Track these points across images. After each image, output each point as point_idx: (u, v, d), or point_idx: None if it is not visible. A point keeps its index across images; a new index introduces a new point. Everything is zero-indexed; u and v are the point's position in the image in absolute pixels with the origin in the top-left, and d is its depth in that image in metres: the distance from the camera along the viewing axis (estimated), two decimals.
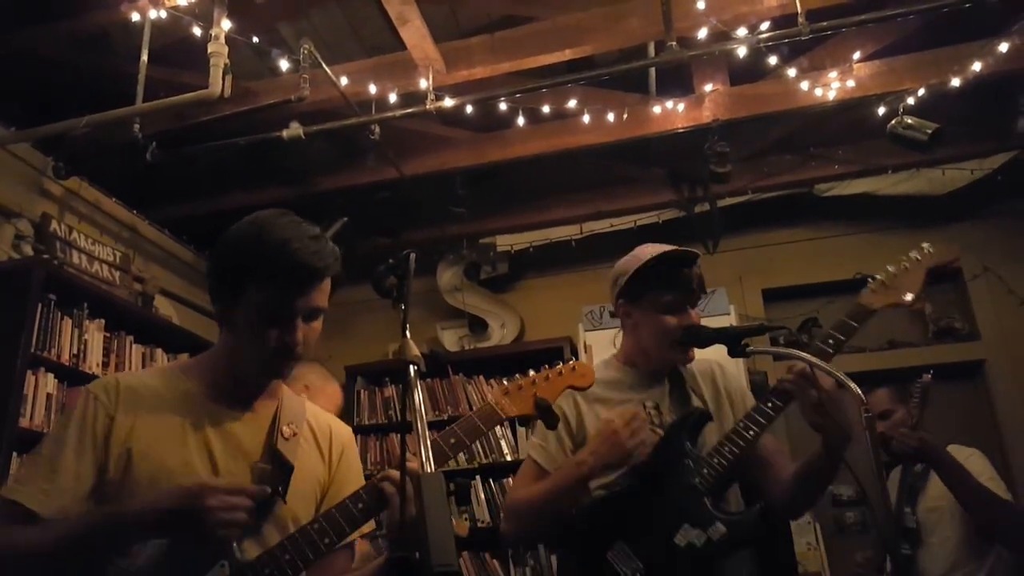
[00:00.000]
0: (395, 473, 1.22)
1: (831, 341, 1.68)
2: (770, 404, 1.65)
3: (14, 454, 2.72)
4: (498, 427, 4.23)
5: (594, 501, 1.68)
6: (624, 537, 1.61)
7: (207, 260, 1.35)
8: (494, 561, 4.05)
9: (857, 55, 3.20)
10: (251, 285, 1.24)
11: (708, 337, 1.71)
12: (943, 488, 2.39)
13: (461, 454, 4.20)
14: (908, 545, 2.47)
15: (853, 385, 1.40)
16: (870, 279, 1.75)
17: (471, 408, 4.28)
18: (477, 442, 4.23)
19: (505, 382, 1.49)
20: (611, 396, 1.79)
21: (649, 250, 1.78)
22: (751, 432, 1.64)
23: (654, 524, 1.60)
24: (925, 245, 1.77)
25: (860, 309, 1.73)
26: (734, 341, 1.63)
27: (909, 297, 1.71)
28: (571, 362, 1.54)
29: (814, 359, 1.51)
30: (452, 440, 1.37)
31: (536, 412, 1.44)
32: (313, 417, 1.43)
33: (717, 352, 1.72)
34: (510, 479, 4.08)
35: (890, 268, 1.74)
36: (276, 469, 1.28)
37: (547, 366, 1.53)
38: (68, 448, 1.20)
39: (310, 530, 1.22)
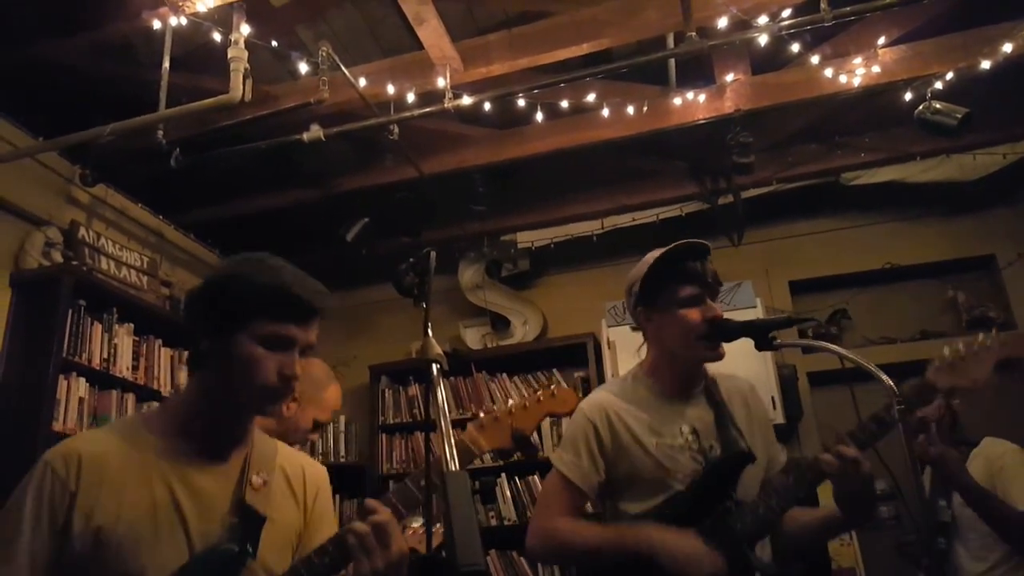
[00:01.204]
0: (361, 526, 1.16)
1: (883, 419, 1.56)
2: (800, 477, 1.59)
3: None
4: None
5: None
6: (655, 574, 1.54)
7: (192, 296, 1.31)
8: (521, 559, 4.05)
9: (882, 40, 3.13)
10: (253, 317, 1.23)
11: (735, 330, 1.64)
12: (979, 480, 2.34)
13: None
14: (943, 539, 2.42)
15: (885, 377, 1.37)
16: (935, 361, 1.66)
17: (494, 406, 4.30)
18: None
19: (481, 414, 1.43)
20: (647, 415, 1.71)
21: (657, 252, 1.73)
22: (806, 481, 1.58)
23: None
24: (996, 333, 1.68)
25: (926, 386, 1.63)
26: (761, 334, 1.58)
27: (976, 383, 1.62)
28: (551, 387, 1.49)
29: (844, 351, 1.48)
30: (422, 482, 1.31)
31: (513, 445, 1.39)
32: (285, 460, 1.38)
33: (744, 345, 1.69)
34: (536, 477, 4.08)
35: (960, 347, 1.65)
36: (246, 523, 1.24)
37: (525, 393, 1.49)
38: (25, 527, 1.14)
39: (299, 568, 1.20)
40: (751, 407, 1.79)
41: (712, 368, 1.78)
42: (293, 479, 1.37)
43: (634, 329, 1.82)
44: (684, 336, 1.67)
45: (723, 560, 1.52)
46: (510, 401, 1.44)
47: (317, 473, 1.42)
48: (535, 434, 4.17)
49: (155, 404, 3.44)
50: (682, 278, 1.67)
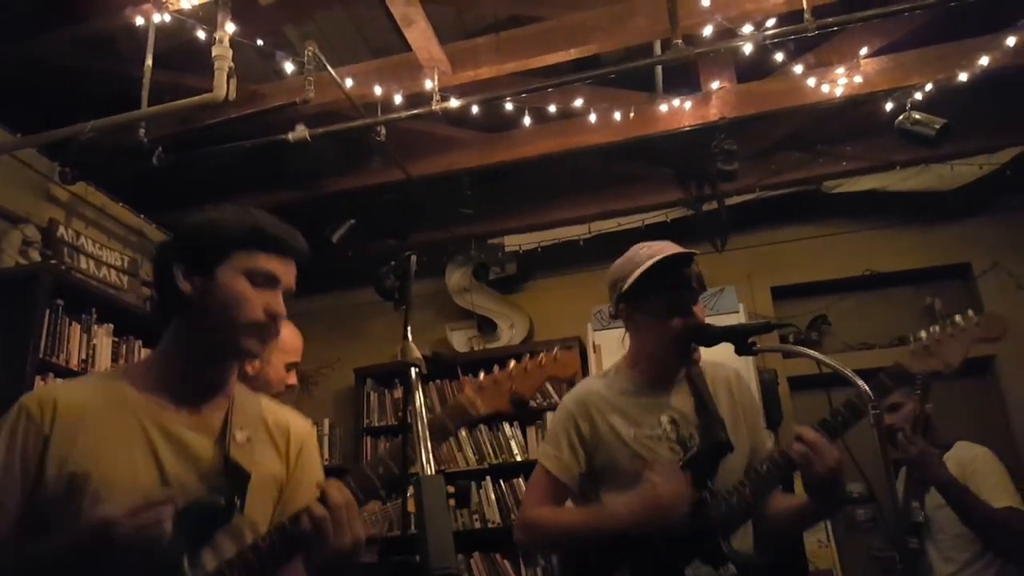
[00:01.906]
0: (318, 508, 1.14)
1: (855, 405, 1.59)
2: (775, 468, 1.61)
3: None
4: (508, 427, 4.25)
5: None
6: (631, 562, 1.57)
7: (164, 244, 1.30)
8: (505, 561, 4.05)
9: (864, 51, 3.18)
10: (235, 249, 1.23)
11: (715, 335, 1.67)
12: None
13: (470, 453, 4.23)
14: (916, 539, 2.46)
15: (860, 382, 1.40)
16: (912, 338, 1.70)
17: None
18: (488, 444, 4.25)
19: (481, 375, 1.39)
20: (627, 406, 1.73)
21: (644, 252, 1.73)
22: (782, 470, 1.60)
23: (663, 554, 1.56)
24: (972, 314, 1.71)
25: (900, 370, 1.67)
26: (741, 339, 1.60)
27: (950, 366, 1.66)
28: (554, 351, 1.45)
29: (820, 356, 1.51)
30: (380, 469, 1.29)
31: (511, 408, 1.36)
32: (270, 414, 1.36)
33: (724, 350, 1.71)
34: (520, 479, 4.08)
35: (935, 331, 1.68)
36: (231, 478, 1.21)
37: (528, 356, 1.43)
38: None
39: (259, 544, 1.18)
40: (735, 394, 1.81)
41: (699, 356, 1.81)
42: (276, 433, 1.35)
43: (614, 317, 1.84)
44: (666, 342, 1.71)
45: (687, 486, 1.56)
46: (511, 364, 1.40)
47: (301, 428, 1.40)
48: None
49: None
50: (668, 286, 1.69)
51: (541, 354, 1.43)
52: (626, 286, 1.72)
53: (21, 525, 1.14)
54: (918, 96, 3.17)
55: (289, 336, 1.91)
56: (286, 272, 1.27)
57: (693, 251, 1.72)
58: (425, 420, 1.06)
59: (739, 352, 1.61)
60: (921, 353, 1.68)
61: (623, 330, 1.85)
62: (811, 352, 1.54)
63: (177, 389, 1.26)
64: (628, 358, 1.84)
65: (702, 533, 1.57)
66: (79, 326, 3.22)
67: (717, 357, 1.78)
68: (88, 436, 1.17)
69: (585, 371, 4.18)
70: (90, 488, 1.13)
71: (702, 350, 1.78)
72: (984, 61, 3.03)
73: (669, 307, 1.69)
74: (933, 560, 2.45)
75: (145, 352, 3.57)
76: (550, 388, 4.02)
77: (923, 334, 1.70)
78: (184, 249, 1.26)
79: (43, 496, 1.14)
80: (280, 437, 1.35)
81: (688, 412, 1.72)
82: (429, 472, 1.00)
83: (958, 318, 1.71)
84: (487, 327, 4.78)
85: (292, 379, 1.92)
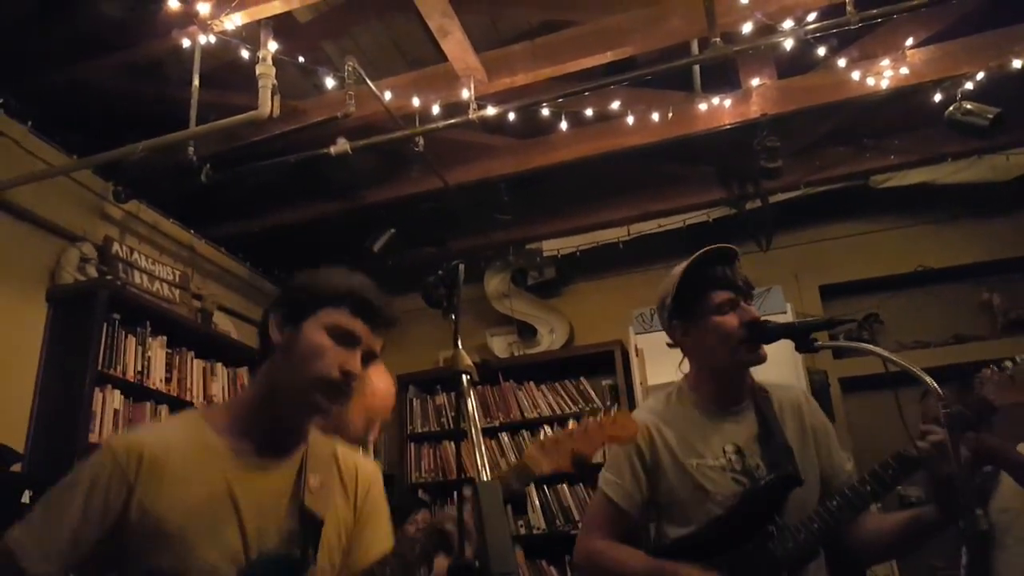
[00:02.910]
0: (451, 517, 1.18)
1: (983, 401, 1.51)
2: (889, 472, 1.53)
3: None
4: (550, 432, 4.23)
5: (668, 554, 1.58)
6: None
7: (281, 287, 1.36)
8: (551, 568, 4.04)
9: (910, 41, 3.08)
10: (323, 306, 1.26)
11: (774, 332, 1.60)
12: (1016, 488, 2.28)
13: (514, 461, 4.22)
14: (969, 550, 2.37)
15: (930, 380, 1.32)
16: (994, 367, 1.57)
17: (522, 414, 4.31)
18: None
19: (541, 435, 1.45)
20: (689, 434, 1.66)
21: (681, 265, 1.70)
22: (854, 505, 1.53)
23: None
24: None
25: (983, 403, 1.54)
26: (802, 336, 1.54)
27: None
28: (612, 413, 1.46)
29: (887, 353, 1.43)
30: None
31: (573, 469, 1.37)
32: (341, 457, 1.39)
33: (775, 352, 1.66)
34: (564, 485, 4.06)
35: (1017, 360, 1.55)
36: (304, 526, 1.24)
37: (589, 417, 1.45)
38: (75, 507, 1.16)
39: None
40: (805, 418, 1.72)
41: (762, 378, 1.74)
42: (346, 476, 1.38)
43: (671, 346, 1.78)
44: (723, 343, 1.63)
45: None
46: (570, 425, 1.43)
47: (368, 470, 1.43)
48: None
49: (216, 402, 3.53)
50: (713, 285, 1.64)
51: (601, 416, 1.46)
52: (671, 298, 1.69)
53: (93, 568, 1.17)
54: (969, 85, 3.06)
55: (382, 390, 1.92)
56: (370, 336, 1.28)
57: (731, 246, 1.67)
58: (479, 426, 1.07)
59: (799, 349, 1.55)
60: (1006, 383, 1.54)
61: (664, 334, 1.80)
62: (877, 349, 1.46)
63: (258, 435, 1.28)
64: (689, 379, 1.77)
65: (767, 571, 1.50)
66: (134, 339, 3.33)
67: (768, 360, 1.68)
68: (170, 483, 1.19)
69: (627, 375, 4.15)
70: (170, 536, 1.16)
71: (764, 375, 1.71)
72: None
73: (719, 305, 1.63)
74: (1000, 566, 2.36)
75: (197, 363, 3.67)
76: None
77: (1008, 363, 1.56)
78: (284, 302, 1.31)
79: (124, 542, 1.16)
80: (350, 480, 1.38)
81: (753, 441, 1.65)
82: (485, 478, 1.01)
83: None
84: (527, 332, 4.78)
85: (372, 435, 1.87)
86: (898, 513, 1.63)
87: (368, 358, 1.29)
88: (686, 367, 1.79)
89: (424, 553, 1.24)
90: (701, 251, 1.67)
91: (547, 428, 4.26)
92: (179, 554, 1.15)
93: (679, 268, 1.71)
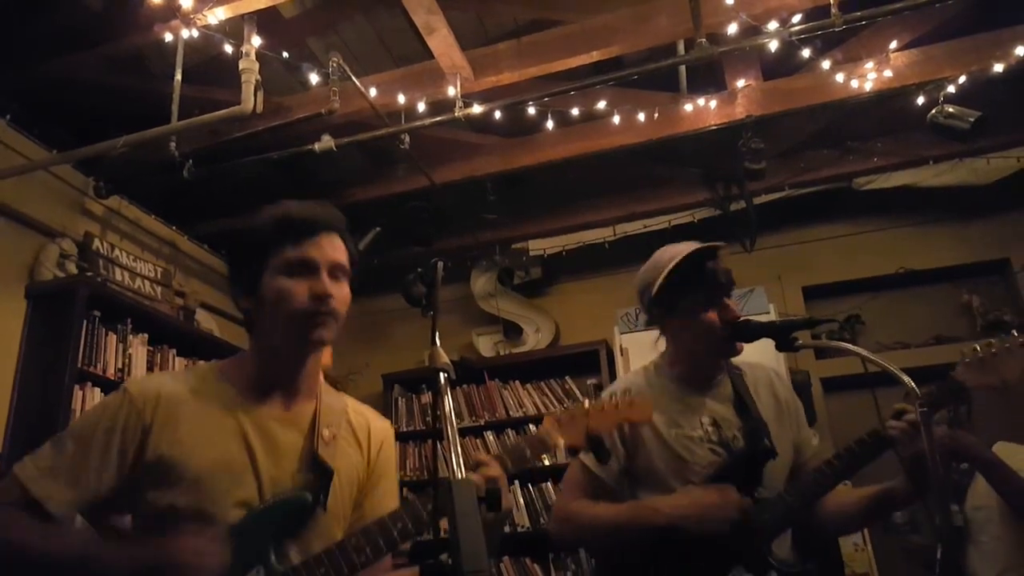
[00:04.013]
0: (477, 477, 1.21)
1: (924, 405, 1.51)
2: (859, 449, 1.57)
3: None
4: (535, 431, 4.24)
5: None
6: (669, 566, 1.54)
7: (226, 263, 1.38)
8: (535, 565, 4.04)
9: (893, 44, 3.12)
10: (269, 256, 1.27)
11: (756, 331, 1.63)
12: (989, 485, 2.31)
13: None
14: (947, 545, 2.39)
15: (907, 379, 1.35)
16: (967, 350, 1.62)
17: (507, 413, 4.31)
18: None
19: (559, 409, 1.45)
20: (667, 406, 1.69)
21: (669, 253, 1.71)
22: (828, 481, 1.58)
23: (705, 559, 1.52)
24: None
25: (955, 384, 1.59)
26: (783, 334, 1.56)
27: (1006, 383, 1.58)
28: (628, 396, 1.48)
29: (867, 353, 1.46)
30: (526, 450, 1.36)
31: (588, 445, 1.40)
32: (353, 413, 1.42)
33: (757, 351, 1.68)
34: (549, 484, 4.07)
35: (992, 344, 1.60)
36: (317, 475, 1.27)
37: (603, 397, 1.48)
38: (95, 452, 1.18)
39: (347, 546, 1.22)
40: (779, 395, 1.78)
41: (736, 358, 1.77)
42: (359, 431, 1.40)
43: (649, 324, 1.82)
44: (705, 338, 1.67)
45: (738, 494, 1.53)
46: (586, 403, 1.45)
47: (382, 427, 1.46)
48: None
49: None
50: (697, 281, 1.67)
51: (618, 395, 1.48)
52: (655, 289, 1.70)
53: (111, 509, 1.21)
54: (951, 89, 3.09)
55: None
56: (322, 252, 1.28)
57: (718, 244, 1.70)
58: (455, 425, 1.07)
59: (780, 348, 1.57)
60: (976, 366, 1.61)
61: (651, 333, 1.82)
62: (856, 349, 1.49)
63: (267, 388, 1.31)
64: (667, 357, 1.81)
65: (745, 540, 1.53)
66: (115, 336, 3.29)
67: (751, 358, 1.75)
68: (187, 428, 1.22)
69: (612, 374, 4.16)
70: (185, 478, 1.18)
71: (741, 359, 1.74)
72: (1020, 51, 2.95)
73: (702, 302, 1.66)
74: (975, 563, 2.38)
75: (179, 361, 3.64)
76: None
77: (977, 347, 1.62)
78: (233, 275, 1.33)
79: (139, 483, 1.18)
80: (362, 435, 1.40)
81: (729, 414, 1.69)
82: (460, 476, 1.01)
83: (1015, 332, 1.64)
84: (513, 332, 4.78)
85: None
86: (865, 488, 1.68)
87: (336, 271, 1.29)
88: (662, 346, 1.83)
89: (436, 509, 1.25)
90: (693, 248, 1.69)
91: (532, 427, 4.26)
92: (195, 495, 1.17)
93: (663, 256, 1.72)
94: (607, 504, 1.68)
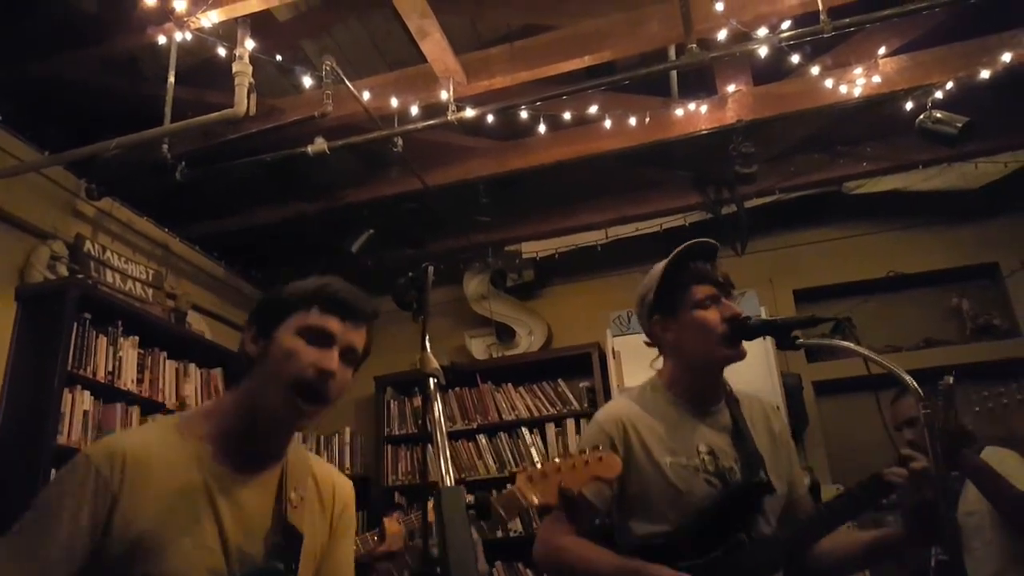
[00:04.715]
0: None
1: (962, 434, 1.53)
2: (860, 494, 1.54)
3: (52, 471, 2.78)
4: (528, 434, 4.25)
5: (636, 553, 1.55)
6: None
7: (258, 298, 1.35)
8: (527, 571, 4.04)
9: (882, 50, 3.14)
10: (294, 311, 1.25)
11: (756, 329, 1.59)
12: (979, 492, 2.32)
13: (491, 463, 4.23)
14: (939, 551, 2.40)
15: (909, 379, 1.33)
16: (975, 407, 1.60)
17: (500, 416, 4.31)
18: (508, 452, 4.25)
19: (529, 468, 1.45)
20: (663, 431, 1.63)
21: (663, 261, 1.69)
22: (826, 524, 1.55)
23: None
24: None
25: (961, 431, 1.60)
26: (783, 333, 1.53)
27: (1013, 435, 1.57)
28: (598, 452, 1.48)
29: (872, 354, 1.43)
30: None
31: (560, 502, 1.40)
32: (317, 471, 1.39)
33: (758, 349, 1.67)
34: None
35: (1003, 394, 1.59)
36: (287, 541, 1.23)
37: (572, 453, 1.48)
38: (62, 523, 1.11)
39: None
40: (775, 430, 1.72)
41: (736, 378, 1.73)
42: (323, 491, 1.37)
43: (648, 344, 1.76)
44: (704, 337, 1.61)
45: None
46: (557, 460, 1.46)
47: (344, 488, 1.43)
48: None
49: (188, 409, 3.44)
50: (695, 279, 1.64)
51: (588, 452, 1.48)
52: (653, 293, 1.68)
53: None
54: (939, 95, 3.12)
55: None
56: (345, 332, 1.25)
57: (711, 241, 1.67)
58: (444, 430, 1.06)
59: (781, 346, 1.54)
60: (986, 416, 1.59)
61: (642, 335, 1.80)
62: (859, 348, 1.46)
63: (238, 447, 1.25)
64: (664, 376, 1.74)
65: None
66: (106, 339, 3.28)
67: (742, 362, 1.66)
68: (154, 494, 1.16)
69: (604, 376, 4.17)
70: (153, 548, 1.13)
71: (739, 376, 1.69)
72: (1007, 57, 2.98)
73: (701, 300, 1.62)
74: (967, 568, 2.39)
75: (170, 364, 3.62)
76: None
77: (987, 393, 1.58)
78: (256, 313, 1.30)
79: (107, 554, 1.12)
80: (327, 495, 1.37)
81: (726, 444, 1.63)
82: (449, 483, 1.00)
83: None
84: (506, 334, 4.78)
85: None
86: (864, 532, 1.65)
87: (348, 356, 1.26)
88: (659, 364, 1.77)
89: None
90: (684, 245, 1.65)
91: (524, 430, 4.27)
92: (160, 564, 1.12)
93: (661, 264, 1.70)
94: (598, 550, 1.60)
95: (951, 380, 2.37)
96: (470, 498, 1.09)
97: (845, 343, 1.56)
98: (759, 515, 1.57)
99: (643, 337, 1.79)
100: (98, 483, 1.13)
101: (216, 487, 1.20)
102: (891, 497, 1.55)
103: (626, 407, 1.69)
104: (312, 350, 1.22)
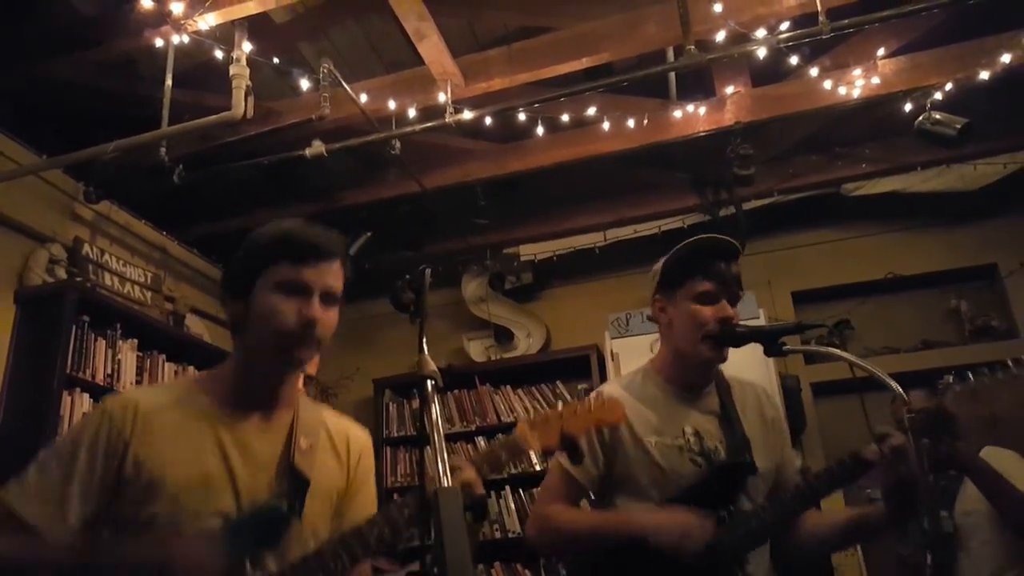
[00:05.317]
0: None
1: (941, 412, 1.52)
2: (839, 471, 1.55)
3: None
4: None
5: None
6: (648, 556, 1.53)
7: (223, 264, 1.38)
8: (526, 571, 4.04)
9: (881, 52, 3.15)
10: (265, 270, 1.28)
11: (744, 336, 1.61)
12: (979, 491, 2.32)
13: None
14: (938, 551, 2.40)
15: (895, 384, 1.34)
16: (956, 378, 1.56)
17: (498, 418, 4.31)
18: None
19: (532, 413, 1.47)
20: (650, 413, 1.67)
21: (686, 242, 1.70)
22: (806, 500, 1.57)
23: (677, 572, 1.50)
24: None
25: (942, 411, 1.54)
26: (771, 340, 1.56)
27: (995, 417, 1.54)
28: (600, 397, 1.49)
29: (855, 358, 1.45)
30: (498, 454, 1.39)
31: (562, 446, 1.41)
32: (331, 423, 1.43)
33: (747, 356, 1.68)
34: (537, 489, 4.07)
35: (986, 374, 1.55)
36: (293, 484, 1.28)
37: (575, 398, 1.50)
38: (79, 471, 1.20)
39: (324, 553, 1.23)
40: (765, 413, 1.76)
41: (727, 371, 1.76)
42: (338, 441, 1.42)
43: (650, 319, 1.81)
44: (692, 330, 1.65)
45: (713, 524, 1.51)
46: (560, 404, 1.47)
47: (360, 438, 1.47)
48: None
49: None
50: (702, 272, 1.65)
51: (591, 397, 1.49)
52: (661, 270, 1.71)
53: (94, 523, 1.20)
54: (938, 96, 3.12)
55: None
56: (319, 276, 1.28)
57: (735, 242, 1.68)
58: (441, 432, 1.07)
59: (768, 353, 1.57)
60: (967, 396, 1.56)
61: (641, 337, 1.83)
62: (844, 354, 1.49)
63: (245, 399, 1.32)
64: (657, 361, 1.79)
65: (717, 555, 1.51)
66: (104, 342, 3.28)
67: (740, 363, 1.73)
68: (165, 440, 1.23)
69: (603, 379, 4.16)
70: (164, 491, 1.19)
71: (730, 367, 1.73)
72: (1006, 59, 2.98)
73: (701, 295, 1.65)
74: (965, 568, 2.39)
75: (168, 367, 3.62)
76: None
77: (971, 376, 1.57)
78: (227, 278, 1.34)
79: (121, 498, 1.20)
80: (341, 445, 1.42)
81: (713, 426, 1.67)
82: (446, 484, 1.00)
83: (1010, 363, 1.57)
84: (504, 336, 4.78)
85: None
86: (845, 510, 1.66)
87: (328, 298, 1.30)
88: (657, 348, 1.81)
89: (412, 517, 1.26)
90: (708, 235, 1.67)
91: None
92: (174, 506, 1.19)
93: (680, 245, 1.72)
94: (584, 511, 1.67)
95: (951, 380, 2.37)
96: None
97: (828, 348, 1.60)
98: (742, 494, 1.61)
99: (642, 339, 1.83)
100: (111, 429, 1.22)
101: (226, 435, 1.27)
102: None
103: (615, 391, 1.74)
104: (292, 302, 1.26)
